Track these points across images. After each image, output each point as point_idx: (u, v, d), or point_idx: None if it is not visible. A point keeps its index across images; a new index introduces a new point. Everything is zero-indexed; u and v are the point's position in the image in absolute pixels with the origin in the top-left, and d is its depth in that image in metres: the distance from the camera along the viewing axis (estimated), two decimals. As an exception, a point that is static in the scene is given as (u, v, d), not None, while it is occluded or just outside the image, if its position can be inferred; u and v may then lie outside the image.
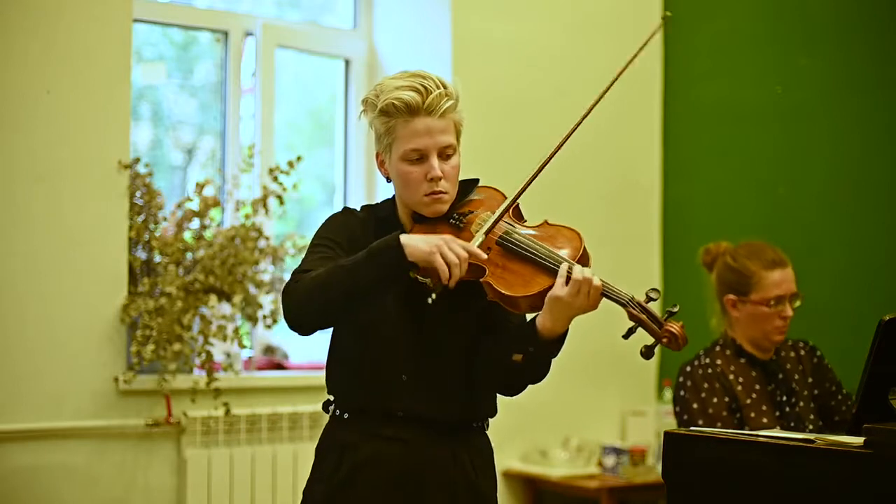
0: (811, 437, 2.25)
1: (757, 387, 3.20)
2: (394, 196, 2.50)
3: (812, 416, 3.23)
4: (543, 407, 4.74)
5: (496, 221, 2.37)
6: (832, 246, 4.52)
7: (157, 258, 3.88)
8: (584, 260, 2.37)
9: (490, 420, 2.55)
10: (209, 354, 3.86)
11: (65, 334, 3.69)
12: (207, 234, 4.00)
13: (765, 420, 3.15)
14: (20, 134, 3.65)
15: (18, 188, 3.64)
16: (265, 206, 4.10)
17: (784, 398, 3.23)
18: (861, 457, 2.10)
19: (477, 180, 2.54)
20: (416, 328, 2.39)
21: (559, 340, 2.35)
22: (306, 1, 4.94)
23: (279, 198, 4.12)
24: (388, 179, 2.45)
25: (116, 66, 3.81)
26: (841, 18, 4.66)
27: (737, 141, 4.95)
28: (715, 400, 3.15)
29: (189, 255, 3.93)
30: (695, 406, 3.16)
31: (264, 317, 4.04)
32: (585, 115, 2.53)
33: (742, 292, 3.24)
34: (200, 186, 3.99)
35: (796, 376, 3.28)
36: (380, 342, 2.39)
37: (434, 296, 2.23)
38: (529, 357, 2.35)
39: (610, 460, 4.56)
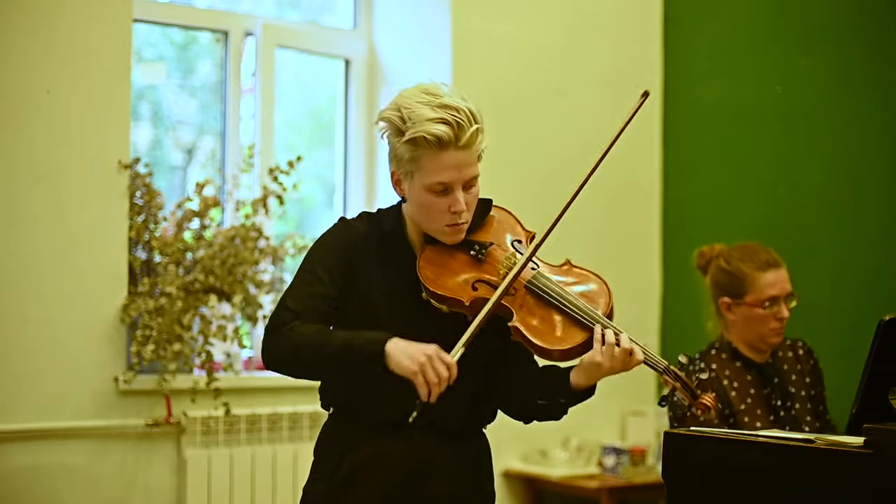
0: (811, 437, 2.25)
1: (752, 391, 3.19)
2: (399, 205, 2.45)
3: (809, 418, 3.22)
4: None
5: (523, 266, 2.32)
6: (832, 246, 4.52)
7: (157, 258, 3.88)
8: (611, 314, 2.39)
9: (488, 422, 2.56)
10: (209, 354, 3.86)
11: (65, 334, 3.69)
12: (207, 234, 4.00)
13: (759, 424, 3.14)
14: (20, 134, 3.65)
15: (18, 188, 3.64)
16: (265, 206, 4.10)
17: (779, 402, 3.22)
18: (861, 457, 2.10)
19: (490, 201, 2.51)
20: (418, 333, 2.32)
21: (589, 393, 2.41)
22: (306, 1, 4.94)
23: (279, 198, 4.12)
24: (403, 199, 2.41)
25: (116, 66, 3.81)
26: (841, 18, 4.66)
27: (737, 141, 4.95)
28: None
29: (189, 255, 3.93)
30: (687, 414, 3.16)
31: (264, 317, 4.03)
32: (595, 168, 2.51)
33: (736, 294, 3.23)
34: (200, 186, 3.99)
35: (793, 377, 3.26)
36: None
37: (415, 414, 2.22)
38: (557, 406, 2.40)
39: (610, 460, 4.56)
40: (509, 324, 2.30)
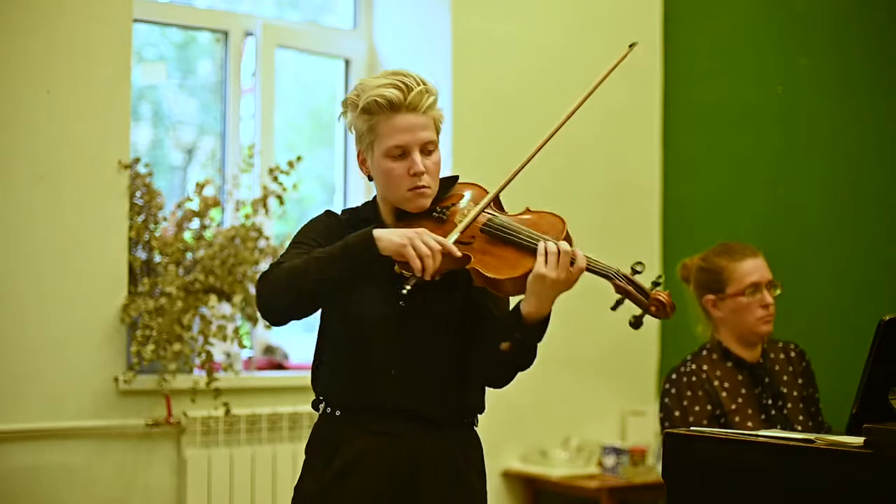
0: (811, 436, 2.25)
1: (743, 391, 3.21)
2: (374, 197, 2.53)
3: (801, 418, 3.23)
4: (543, 407, 4.75)
5: (480, 210, 2.41)
6: (832, 246, 4.52)
7: (157, 258, 3.88)
8: (567, 241, 2.40)
9: (479, 417, 2.57)
10: (209, 354, 3.86)
11: (65, 334, 3.69)
12: (207, 234, 4.00)
13: (750, 424, 3.15)
14: (20, 134, 3.65)
15: (18, 188, 3.64)
16: (265, 206, 4.10)
17: (770, 401, 3.23)
18: (861, 457, 2.10)
19: (457, 177, 2.57)
20: (402, 323, 2.39)
21: (544, 324, 2.37)
22: (306, 1, 4.94)
23: (279, 198, 4.12)
24: (370, 178, 2.48)
25: (116, 66, 3.81)
26: (841, 18, 4.66)
27: (737, 141, 4.95)
28: (697, 408, 3.16)
29: (189, 255, 3.93)
30: (676, 414, 3.17)
31: (264, 317, 4.03)
32: (571, 114, 2.52)
33: (718, 290, 3.27)
34: (200, 186, 3.99)
35: (785, 377, 3.28)
36: (368, 338, 2.40)
37: (408, 287, 2.25)
38: (516, 344, 2.37)
39: (610, 460, 4.56)
40: (467, 266, 2.35)
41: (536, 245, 2.35)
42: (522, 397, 4.70)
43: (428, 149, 2.42)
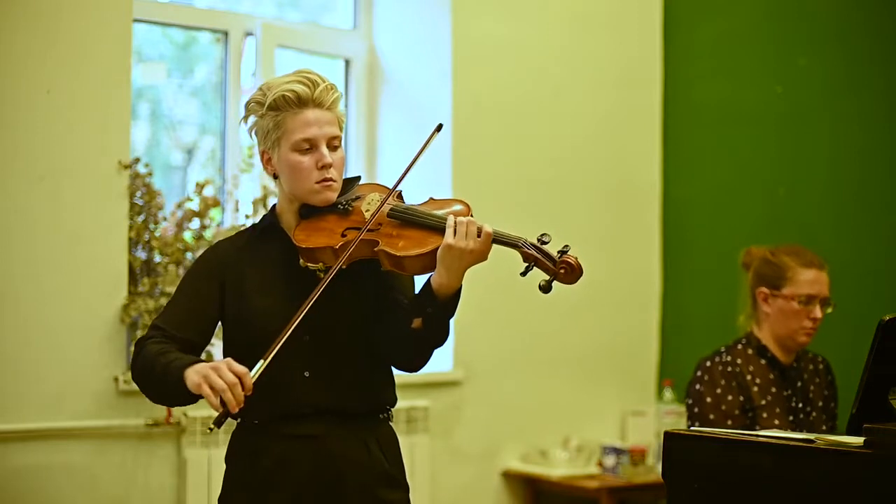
0: (811, 436, 2.25)
1: (773, 389, 3.22)
2: (273, 206, 2.57)
3: (824, 428, 3.26)
4: (543, 407, 4.75)
5: (387, 198, 2.45)
6: (832, 246, 4.51)
7: (157, 258, 3.88)
8: None
9: (392, 410, 2.58)
10: (209, 354, 3.86)
11: (65, 334, 3.69)
12: (207, 234, 4.00)
13: (777, 422, 3.17)
14: (20, 134, 3.65)
15: (19, 188, 3.64)
16: (265, 206, 4.10)
17: (800, 405, 3.25)
18: (861, 457, 2.10)
19: (359, 177, 2.61)
20: (308, 322, 2.37)
21: (455, 298, 2.39)
22: (306, 1, 4.94)
23: (279, 198, 4.11)
24: (275, 177, 2.52)
25: (116, 66, 3.81)
26: (841, 18, 4.66)
27: (737, 141, 4.95)
28: (730, 398, 3.18)
29: (189, 255, 3.93)
30: (708, 400, 3.18)
31: (264, 317, 4.03)
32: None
33: (775, 286, 3.27)
34: (200, 186, 3.99)
35: (812, 387, 3.31)
36: (274, 344, 2.34)
37: (212, 424, 2.26)
38: (428, 319, 2.38)
39: (610, 460, 4.56)
40: (375, 249, 2.39)
41: (440, 222, 2.38)
42: (522, 397, 4.71)
43: (334, 144, 2.47)
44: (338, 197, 2.49)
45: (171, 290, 3.79)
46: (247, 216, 4.11)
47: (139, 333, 3.72)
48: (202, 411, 3.92)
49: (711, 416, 3.15)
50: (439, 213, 2.43)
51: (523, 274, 2.39)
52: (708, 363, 3.27)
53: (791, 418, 3.21)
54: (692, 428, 3.11)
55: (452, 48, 4.61)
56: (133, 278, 3.84)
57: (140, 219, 3.87)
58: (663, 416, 4.77)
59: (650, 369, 5.05)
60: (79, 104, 3.74)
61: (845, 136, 4.59)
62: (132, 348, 3.69)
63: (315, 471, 2.42)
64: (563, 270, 2.36)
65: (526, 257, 2.38)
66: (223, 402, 2.23)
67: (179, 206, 3.98)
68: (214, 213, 4.06)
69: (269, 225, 2.54)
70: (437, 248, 2.35)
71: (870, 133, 4.53)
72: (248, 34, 4.48)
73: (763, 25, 4.90)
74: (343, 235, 2.43)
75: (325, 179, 2.45)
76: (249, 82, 4.48)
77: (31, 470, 3.62)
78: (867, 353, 2.35)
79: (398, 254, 2.37)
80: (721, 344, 3.36)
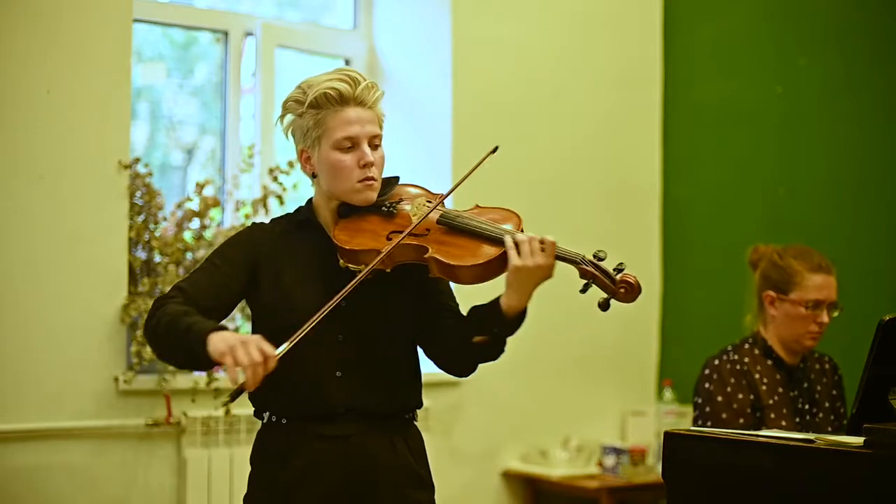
0: (811, 436, 2.25)
1: (780, 390, 3.22)
2: (309, 200, 2.54)
3: (830, 429, 3.25)
4: (543, 407, 4.75)
5: (437, 205, 2.43)
6: (832, 246, 4.50)
7: (157, 258, 3.88)
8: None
9: (418, 412, 2.57)
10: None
11: (65, 334, 3.69)
12: (207, 234, 4.00)
13: (783, 423, 3.16)
14: (20, 134, 3.65)
15: (19, 188, 3.64)
16: (265, 206, 4.10)
17: (806, 406, 3.24)
18: (861, 457, 2.10)
19: (398, 178, 2.57)
20: (344, 323, 2.37)
21: (521, 317, 2.38)
22: (306, 1, 4.94)
23: (279, 198, 4.12)
24: (313, 175, 2.48)
25: (116, 66, 3.81)
26: (841, 18, 4.66)
27: (737, 141, 4.95)
28: (740, 396, 3.17)
29: (189, 255, 3.93)
30: (719, 399, 3.17)
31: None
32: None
33: (782, 290, 3.25)
34: (200, 186, 3.99)
35: (819, 387, 3.30)
36: (309, 344, 2.30)
37: (228, 398, 2.24)
38: (492, 338, 2.39)
39: (610, 460, 4.56)
40: (425, 256, 2.36)
41: (496, 233, 2.37)
42: (522, 397, 4.71)
43: (375, 143, 2.45)
44: (377, 197, 2.47)
45: (171, 290, 3.79)
46: (246, 216, 4.11)
47: (139, 333, 3.72)
48: (202, 411, 3.92)
49: (724, 415, 3.14)
50: (492, 223, 2.40)
51: (583, 291, 2.36)
52: (716, 362, 3.26)
53: (797, 419, 3.21)
54: (700, 427, 3.10)
55: (452, 48, 4.61)
56: (133, 278, 3.84)
57: (140, 219, 3.87)
58: (663, 416, 4.77)
59: (650, 369, 5.05)
60: (79, 104, 3.74)
61: (845, 136, 4.59)
62: (133, 346, 3.71)
63: (345, 471, 2.40)
64: (623, 290, 2.33)
65: (584, 274, 2.35)
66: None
67: (179, 206, 3.98)
68: (214, 213, 4.06)
69: (306, 220, 2.50)
70: (491, 259, 2.33)
71: (870, 133, 4.53)
72: (248, 34, 4.48)
73: (763, 25, 4.90)
74: (388, 239, 2.39)
75: (367, 178, 2.41)
76: (249, 82, 4.48)
77: (31, 470, 3.62)
78: (867, 353, 2.36)
79: (453, 263, 2.33)
80: (721, 344, 3.35)
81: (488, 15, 4.73)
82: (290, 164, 4.13)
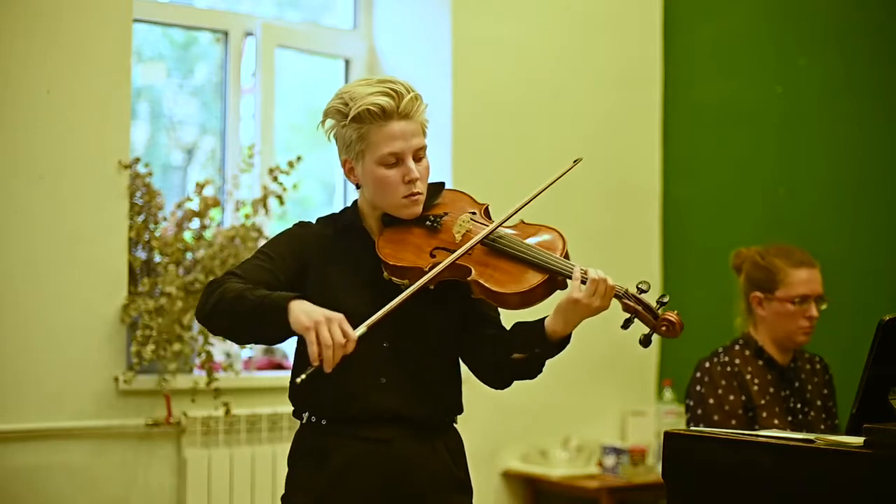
0: (811, 436, 2.25)
1: (771, 390, 3.22)
2: (354, 203, 2.52)
3: (822, 427, 3.25)
4: (543, 407, 4.75)
5: (490, 231, 2.38)
6: (832, 246, 4.52)
7: (157, 258, 3.88)
8: (567, 257, 2.41)
9: (459, 417, 2.57)
10: (209, 354, 3.86)
11: (65, 334, 3.69)
12: (207, 234, 4.00)
13: (776, 422, 3.16)
14: (20, 134, 3.65)
15: (19, 187, 3.64)
16: (265, 206, 4.10)
17: (798, 405, 3.24)
18: (861, 457, 2.10)
19: (443, 184, 2.55)
20: (390, 331, 2.36)
21: (565, 341, 2.39)
22: (306, 1, 4.94)
23: (279, 198, 4.12)
24: (358, 186, 2.47)
25: (116, 66, 3.81)
26: (841, 18, 4.66)
27: (737, 141, 4.95)
28: (732, 397, 3.17)
29: (189, 255, 3.93)
30: (711, 401, 3.18)
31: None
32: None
33: (768, 290, 3.27)
34: (200, 186, 3.99)
35: (810, 386, 3.30)
36: (356, 351, 2.26)
37: (303, 376, 2.20)
38: (533, 357, 2.39)
39: (610, 460, 4.56)
40: (468, 279, 2.34)
41: (544, 264, 2.34)
42: (522, 397, 4.70)
43: (419, 155, 2.42)
44: (423, 206, 2.45)
45: (171, 289, 3.79)
46: (246, 216, 4.11)
47: (139, 333, 3.73)
48: (202, 411, 3.92)
49: (716, 417, 3.15)
50: (541, 250, 2.37)
51: (624, 327, 2.37)
52: (707, 364, 3.27)
53: (790, 418, 3.21)
54: (692, 428, 3.11)
55: (452, 48, 4.60)
56: (133, 278, 3.84)
57: (140, 219, 3.87)
58: (663, 416, 4.77)
59: (650, 369, 5.05)
60: (79, 104, 3.74)
61: (845, 136, 4.59)
62: (133, 346, 3.70)
63: (385, 475, 2.39)
64: (665, 328, 2.34)
65: (626, 308, 2.36)
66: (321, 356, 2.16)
67: (179, 206, 3.98)
68: (214, 213, 4.06)
69: (352, 224, 2.49)
70: (536, 286, 2.32)
71: (870, 133, 4.52)
72: (248, 34, 4.48)
73: (763, 25, 4.90)
74: (432, 255, 2.38)
75: (412, 194, 2.40)
76: (249, 82, 4.48)
77: (31, 470, 3.62)
78: (867, 353, 2.35)
79: (497, 289, 2.32)
80: (721, 344, 3.36)
81: (488, 15, 4.73)
82: (290, 164, 4.13)
